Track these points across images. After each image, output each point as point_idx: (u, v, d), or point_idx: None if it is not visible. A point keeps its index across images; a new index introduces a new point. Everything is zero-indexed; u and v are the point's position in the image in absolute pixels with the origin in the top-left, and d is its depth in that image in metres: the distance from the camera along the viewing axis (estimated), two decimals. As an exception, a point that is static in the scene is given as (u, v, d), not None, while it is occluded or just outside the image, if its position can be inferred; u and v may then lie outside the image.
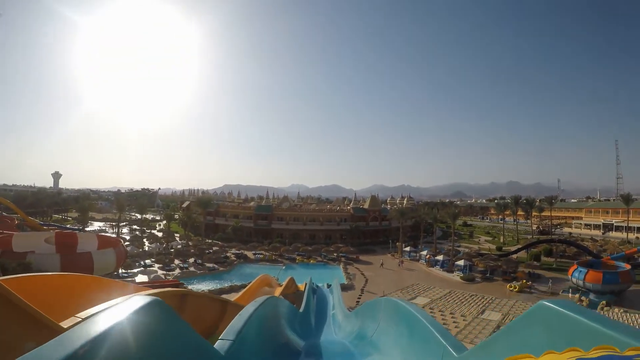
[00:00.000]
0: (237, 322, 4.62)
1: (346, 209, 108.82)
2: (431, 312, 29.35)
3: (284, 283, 30.48)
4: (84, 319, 4.16)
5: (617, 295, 43.31)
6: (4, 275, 25.50)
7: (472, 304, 33.91)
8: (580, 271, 45.50)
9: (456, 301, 35.22)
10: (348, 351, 9.42)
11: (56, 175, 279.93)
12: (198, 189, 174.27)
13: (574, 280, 46.28)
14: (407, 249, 78.42)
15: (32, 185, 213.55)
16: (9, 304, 3.30)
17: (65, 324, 4.13)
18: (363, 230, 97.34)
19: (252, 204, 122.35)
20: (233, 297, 41.89)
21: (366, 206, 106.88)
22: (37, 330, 3.69)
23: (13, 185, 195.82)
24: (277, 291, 29.45)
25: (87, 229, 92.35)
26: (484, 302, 34.55)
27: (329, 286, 35.45)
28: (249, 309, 5.42)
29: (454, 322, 27.94)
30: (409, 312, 5.94)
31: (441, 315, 29.45)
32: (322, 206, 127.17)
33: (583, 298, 43.05)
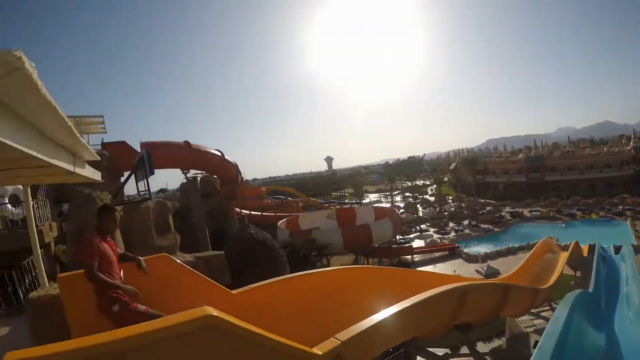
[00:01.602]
0: (546, 342, 4.46)
1: (625, 150, 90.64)
2: None
3: (570, 248, 28.86)
4: (343, 342, 4.38)
5: None
6: (289, 259, 29.41)
7: None
8: None
9: None
10: None
11: (328, 160, 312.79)
12: (462, 149, 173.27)
13: None
14: None
15: (310, 171, 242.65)
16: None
17: (321, 347, 4.24)
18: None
19: (520, 156, 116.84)
20: (510, 260, 41.62)
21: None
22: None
23: (294, 174, 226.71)
24: (562, 257, 28.11)
25: (363, 201, 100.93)
26: None
27: (617, 250, 32.35)
28: (557, 323, 5.01)
29: None
30: None
31: None
32: (598, 149, 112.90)
33: None
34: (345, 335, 4.50)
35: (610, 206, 68.33)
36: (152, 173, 14.03)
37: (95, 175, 9.14)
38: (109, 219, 5.20)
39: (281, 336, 3.87)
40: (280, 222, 47.05)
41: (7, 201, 15.28)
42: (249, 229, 20.74)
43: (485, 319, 10.73)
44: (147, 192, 14.40)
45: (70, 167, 6.33)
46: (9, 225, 14.35)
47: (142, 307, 4.78)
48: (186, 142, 28.94)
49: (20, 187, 14.71)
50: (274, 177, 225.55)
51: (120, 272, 5.03)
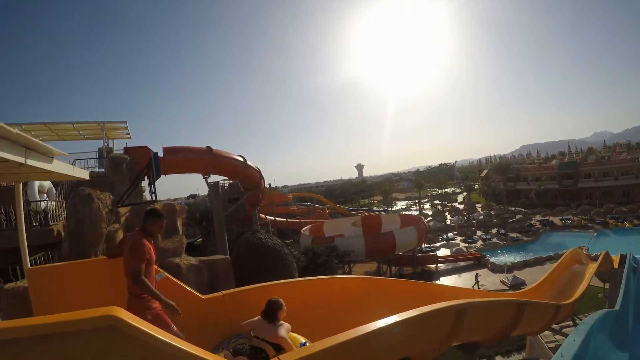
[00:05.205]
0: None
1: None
2: None
3: (599, 259, 27.72)
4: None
5: None
6: (308, 265, 29.89)
7: None
8: None
9: None
10: None
11: (359, 167, 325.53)
12: (495, 155, 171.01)
13: None
14: None
15: (340, 179, 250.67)
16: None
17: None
18: (691, 180, 78.22)
19: (553, 162, 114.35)
20: (537, 270, 40.43)
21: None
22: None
23: (324, 182, 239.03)
24: (590, 268, 27.11)
25: (391, 209, 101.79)
26: None
27: (650, 261, 30.79)
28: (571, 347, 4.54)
29: None
30: None
31: None
32: (635, 154, 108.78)
33: None
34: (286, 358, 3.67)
35: (645, 214, 64.86)
36: (158, 176, 14.02)
37: (81, 173, 9.38)
38: (157, 224, 5.34)
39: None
40: (304, 228, 47.05)
41: (46, 197, 15.44)
42: (259, 234, 20.63)
43: (494, 339, 9.21)
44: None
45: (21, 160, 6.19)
46: (42, 221, 14.56)
47: (174, 328, 4.74)
48: (208, 148, 28.91)
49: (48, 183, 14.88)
50: (305, 184, 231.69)
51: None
